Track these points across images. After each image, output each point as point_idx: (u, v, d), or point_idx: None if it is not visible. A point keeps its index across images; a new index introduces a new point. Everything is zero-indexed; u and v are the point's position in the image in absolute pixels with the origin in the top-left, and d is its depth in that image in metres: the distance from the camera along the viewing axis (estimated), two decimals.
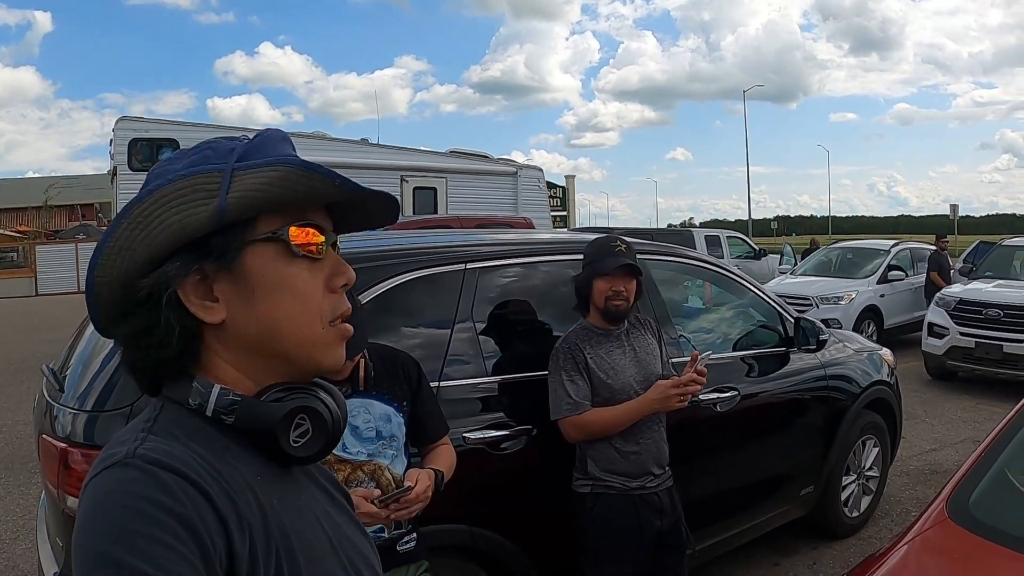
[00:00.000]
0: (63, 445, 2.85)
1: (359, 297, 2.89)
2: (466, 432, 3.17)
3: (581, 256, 3.48)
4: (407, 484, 2.42)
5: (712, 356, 3.48)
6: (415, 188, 16.54)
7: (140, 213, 1.00)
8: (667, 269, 4.48)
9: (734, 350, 4.63)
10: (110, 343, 3.12)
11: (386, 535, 2.61)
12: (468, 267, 3.50)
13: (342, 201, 1.08)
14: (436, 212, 15.95)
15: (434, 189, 16.74)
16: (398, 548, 2.64)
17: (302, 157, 1.02)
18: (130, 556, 0.82)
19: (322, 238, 1.06)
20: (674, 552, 3.37)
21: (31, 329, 18.33)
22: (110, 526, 0.85)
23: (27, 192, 46.11)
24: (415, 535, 2.69)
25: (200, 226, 0.99)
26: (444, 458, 2.70)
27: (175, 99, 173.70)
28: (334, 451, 2.49)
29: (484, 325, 3.50)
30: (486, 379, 3.41)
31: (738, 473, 4.36)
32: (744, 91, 59.13)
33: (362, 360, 2.55)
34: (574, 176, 37.09)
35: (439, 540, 3.01)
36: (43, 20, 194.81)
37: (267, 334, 1.04)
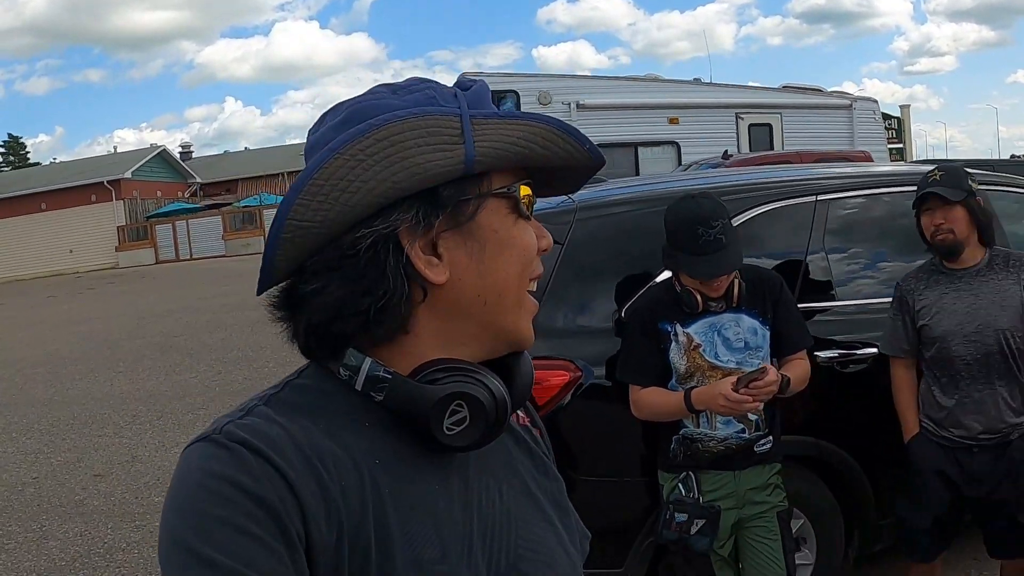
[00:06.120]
0: None
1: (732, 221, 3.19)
2: (817, 351, 3.36)
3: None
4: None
5: None
6: (750, 125, 16.42)
7: (363, 149, 0.89)
8: (1012, 201, 4.17)
9: None
10: None
11: (747, 436, 2.92)
12: (819, 199, 3.67)
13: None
14: (772, 148, 15.73)
15: (769, 125, 16.51)
16: (756, 449, 2.94)
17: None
18: (204, 544, 0.81)
19: (534, 198, 1.01)
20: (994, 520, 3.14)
21: None
22: (187, 508, 0.84)
23: None
24: (771, 439, 2.96)
25: (443, 172, 0.91)
26: (794, 368, 2.93)
27: (501, 51, 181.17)
28: (707, 358, 2.84)
29: (834, 253, 3.66)
30: (835, 303, 3.59)
31: None
32: None
33: (736, 279, 2.86)
34: (909, 106, 34.35)
35: (790, 450, 3.26)
36: None
37: (492, 294, 0.97)
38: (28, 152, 64.79)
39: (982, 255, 3.10)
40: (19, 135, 79.74)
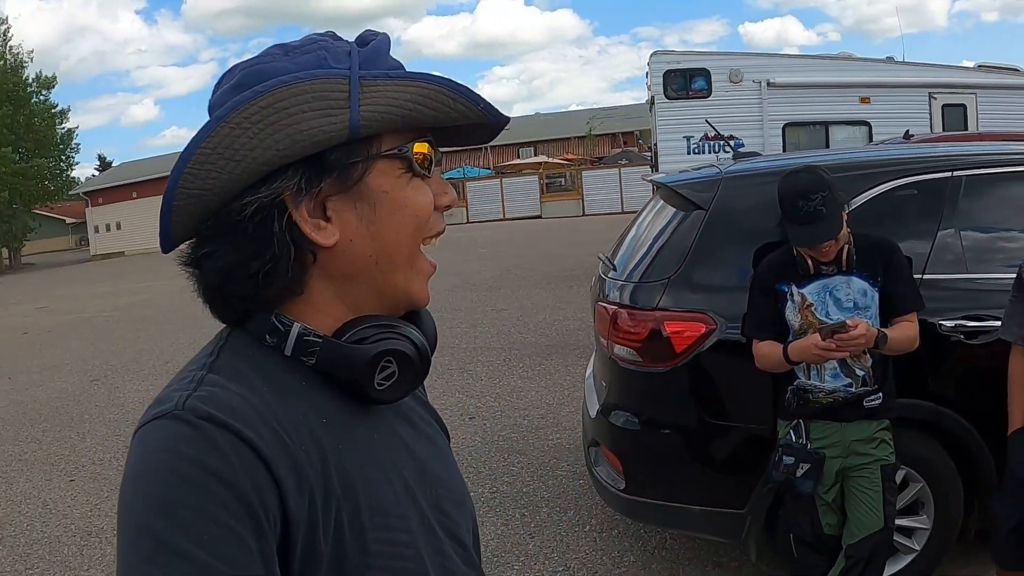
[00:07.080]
0: (613, 308, 3.86)
1: (851, 201, 3.43)
2: (943, 320, 3.53)
3: None
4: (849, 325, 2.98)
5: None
6: (943, 105, 15.90)
7: (248, 117, 0.89)
8: None
9: None
10: (654, 233, 4.05)
11: (854, 390, 3.18)
12: (954, 174, 3.80)
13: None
14: (966, 129, 15.20)
15: (963, 106, 15.94)
16: (864, 403, 3.19)
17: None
18: (173, 532, 0.77)
19: (433, 155, 1.01)
20: None
21: (578, 244, 20.61)
22: (154, 492, 0.79)
23: (571, 123, 48.17)
24: (881, 395, 3.20)
25: (327, 138, 0.91)
26: (897, 329, 3.14)
27: (707, 27, 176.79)
28: (819, 316, 3.16)
29: (968, 227, 3.76)
30: (963, 276, 3.67)
31: None
32: None
33: (846, 245, 3.13)
34: None
35: (908, 412, 3.46)
36: None
37: (383, 255, 0.98)
38: None
39: None
40: None
